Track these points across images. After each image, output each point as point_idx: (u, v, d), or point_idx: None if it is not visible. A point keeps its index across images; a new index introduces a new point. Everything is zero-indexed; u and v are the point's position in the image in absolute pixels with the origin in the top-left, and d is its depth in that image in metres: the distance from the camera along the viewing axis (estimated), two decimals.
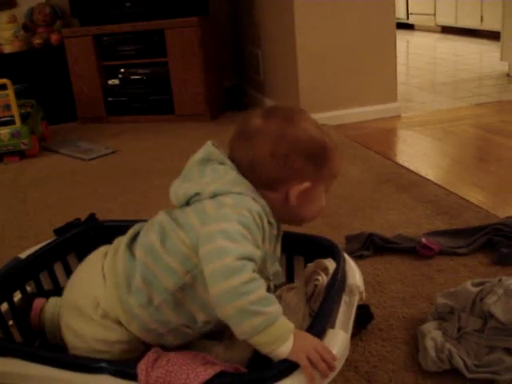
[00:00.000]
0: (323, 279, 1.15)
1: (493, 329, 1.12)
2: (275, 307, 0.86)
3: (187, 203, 0.99)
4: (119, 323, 0.98)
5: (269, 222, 0.98)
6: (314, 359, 0.83)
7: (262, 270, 0.96)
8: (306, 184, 0.99)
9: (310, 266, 1.19)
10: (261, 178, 0.99)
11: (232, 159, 1.01)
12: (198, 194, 0.97)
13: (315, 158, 1.00)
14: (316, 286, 1.15)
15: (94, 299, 0.99)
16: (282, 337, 0.85)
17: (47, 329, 1.10)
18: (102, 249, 1.09)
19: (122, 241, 1.05)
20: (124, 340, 0.98)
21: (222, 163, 1.00)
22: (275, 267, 1.06)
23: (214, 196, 0.95)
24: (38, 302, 1.11)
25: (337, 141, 1.05)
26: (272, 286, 1.06)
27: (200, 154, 1.02)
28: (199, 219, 0.94)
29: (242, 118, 1.05)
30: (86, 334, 0.99)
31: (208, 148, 1.01)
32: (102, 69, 3.57)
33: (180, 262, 0.94)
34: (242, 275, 0.84)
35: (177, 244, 0.95)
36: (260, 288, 0.86)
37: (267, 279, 1.01)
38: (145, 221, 1.07)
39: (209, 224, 0.91)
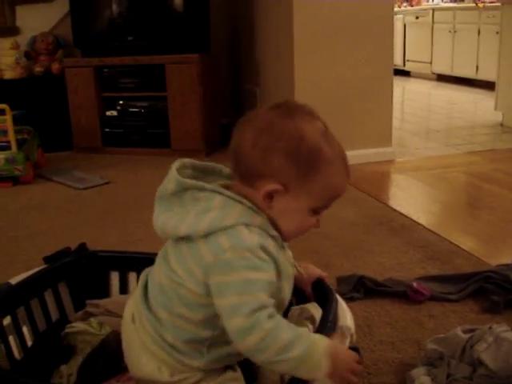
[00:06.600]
0: (309, 330, 1.11)
1: (482, 376, 1.11)
2: (300, 347, 0.83)
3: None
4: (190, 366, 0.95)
5: (272, 236, 0.90)
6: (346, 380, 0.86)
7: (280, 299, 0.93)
8: (276, 186, 0.88)
9: (295, 311, 1.11)
10: (241, 169, 0.91)
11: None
12: (189, 235, 0.89)
13: (300, 160, 0.88)
14: None
15: (152, 368, 0.95)
16: (316, 367, 0.84)
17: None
18: (127, 311, 1.02)
19: (138, 304, 0.99)
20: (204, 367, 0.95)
21: (201, 189, 0.90)
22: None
23: (206, 236, 0.87)
24: None
25: (346, 157, 0.94)
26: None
27: (171, 185, 0.92)
28: (199, 267, 0.88)
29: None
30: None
31: (177, 178, 0.91)
32: (100, 100, 3.59)
33: (202, 315, 0.91)
34: (256, 333, 0.82)
35: (190, 297, 0.90)
36: (278, 336, 0.83)
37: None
38: (136, 255, 1.04)
39: (215, 274, 0.86)
